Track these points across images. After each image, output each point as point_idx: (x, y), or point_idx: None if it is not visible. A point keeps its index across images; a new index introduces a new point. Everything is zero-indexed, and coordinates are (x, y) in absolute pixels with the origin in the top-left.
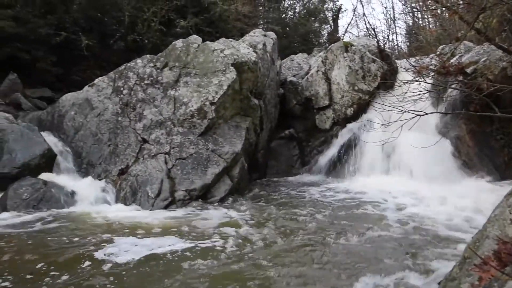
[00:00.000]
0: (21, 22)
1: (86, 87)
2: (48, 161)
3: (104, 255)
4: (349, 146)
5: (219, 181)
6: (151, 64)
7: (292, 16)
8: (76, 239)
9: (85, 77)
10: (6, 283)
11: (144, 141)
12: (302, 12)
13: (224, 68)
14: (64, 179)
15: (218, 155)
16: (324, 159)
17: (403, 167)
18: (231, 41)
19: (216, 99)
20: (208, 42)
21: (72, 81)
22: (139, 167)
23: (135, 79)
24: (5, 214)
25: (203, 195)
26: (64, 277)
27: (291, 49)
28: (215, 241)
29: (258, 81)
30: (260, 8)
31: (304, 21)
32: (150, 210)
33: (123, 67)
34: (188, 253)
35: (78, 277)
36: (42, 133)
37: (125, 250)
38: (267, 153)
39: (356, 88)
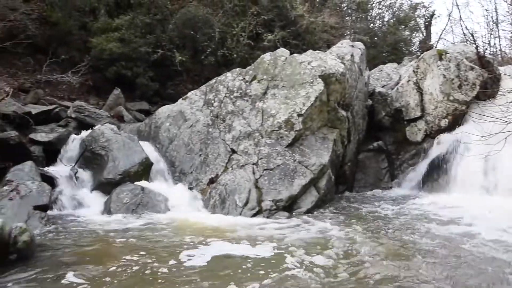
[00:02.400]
0: (125, 43)
1: (180, 100)
2: (145, 168)
3: (189, 256)
4: (443, 160)
5: (306, 193)
6: (240, 78)
7: (380, 25)
8: (167, 240)
9: (178, 91)
10: (113, 268)
11: (233, 151)
12: (392, 20)
13: (311, 80)
14: (159, 186)
15: (305, 167)
16: (415, 173)
17: (505, 184)
18: (318, 52)
19: (303, 111)
20: (295, 54)
21: (167, 95)
22: (228, 177)
23: (225, 92)
24: (109, 217)
25: (290, 206)
26: (155, 271)
27: (380, 59)
28: (300, 253)
29: (345, 92)
30: (347, 18)
31: (393, 30)
32: (238, 218)
33: (213, 80)
34: (271, 261)
35: (165, 273)
36: (140, 142)
37: (209, 254)
38: (355, 165)
39: (451, 98)
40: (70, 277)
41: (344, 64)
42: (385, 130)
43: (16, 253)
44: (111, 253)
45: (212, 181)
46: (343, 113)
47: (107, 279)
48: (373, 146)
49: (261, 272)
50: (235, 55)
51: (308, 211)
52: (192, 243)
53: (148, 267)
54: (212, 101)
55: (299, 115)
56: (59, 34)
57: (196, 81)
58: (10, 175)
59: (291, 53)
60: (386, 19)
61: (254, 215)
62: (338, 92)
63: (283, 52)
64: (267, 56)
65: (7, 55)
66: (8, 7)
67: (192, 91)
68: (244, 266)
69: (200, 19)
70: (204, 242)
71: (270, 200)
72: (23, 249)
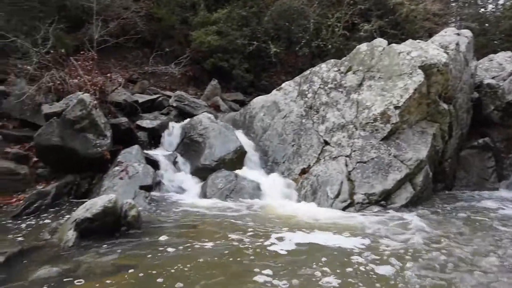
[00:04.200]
0: (222, 35)
1: (274, 91)
2: (239, 156)
3: (275, 241)
4: None
5: (400, 188)
6: (335, 69)
7: (494, 10)
8: (256, 225)
9: (272, 82)
10: (205, 244)
11: (326, 143)
12: (508, 3)
13: (410, 71)
14: (252, 174)
15: (400, 161)
16: None
17: None
18: (418, 42)
19: (400, 103)
20: (393, 44)
21: (261, 86)
22: (320, 168)
23: (319, 83)
24: (205, 200)
25: (383, 201)
26: (241, 251)
27: (491, 48)
28: (387, 249)
29: (448, 84)
30: (453, 4)
31: (509, 14)
32: (328, 210)
33: (308, 71)
34: (356, 253)
35: (250, 254)
36: (235, 131)
37: (295, 241)
38: (456, 162)
39: None
40: (168, 248)
41: (447, 53)
42: (493, 125)
43: (126, 225)
44: (205, 232)
45: (304, 171)
46: (445, 106)
47: (200, 252)
48: (478, 143)
49: (344, 263)
50: (329, 46)
51: (402, 207)
52: (279, 230)
53: (236, 248)
54: (306, 92)
55: (396, 107)
56: (163, 28)
57: (290, 73)
58: (120, 157)
59: (388, 44)
60: (501, 1)
61: (345, 207)
62: (440, 84)
63: (380, 42)
64: (363, 47)
65: (120, 49)
66: (122, 7)
67: (287, 82)
68: (328, 256)
69: (295, 10)
70: (291, 230)
71: (362, 194)
72: (132, 222)
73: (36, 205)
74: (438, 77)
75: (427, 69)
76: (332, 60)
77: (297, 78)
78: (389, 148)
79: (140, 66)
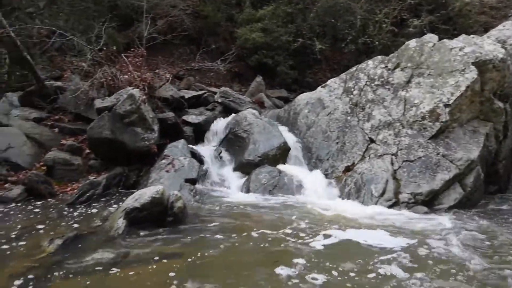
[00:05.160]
0: (267, 32)
1: (319, 88)
2: (283, 153)
3: (317, 237)
4: None
5: (449, 189)
6: (382, 65)
7: None
8: (298, 220)
9: (317, 79)
10: (248, 236)
11: (371, 141)
12: None
13: (462, 68)
14: (295, 170)
15: (449, 161)
16: None
17: None
18: (472, 37)
19: (451, 101)
20: (445, 40)
21: (305, 83)
22: (364, 166)
23: (365, 80)
24: (248, 195)
25: (429, 201)
26: (281, 244)
27: None
28: (432, 251)
29: (504, 81)
30: None
31: None
32: (372, 208)
33: (354, 68)
34: (399, 253)
35: (290, 247)
36: (279, 128)
37: (337, 237)
38: (511, 164)
39: None
40: (212, 238)
41: (505, 49)
42: None
43: (172, 216)
44: (247, 225)
45: (348, 169)
46: (500, 104)
47: (242, 243)
48: None
49: (382, 261)
50: (376, 43)
51: (450, 209)
52: (321, 226)
53: (276, 241)
54: (352, 89)
55: (446, 105)
56: (209, 26)
57: (335, 70)
58: (167, 150)
59: (439, 39)
60: None
61: (390, 206)
62: (495, 81)
63: (431, 38)
64: (412, 43)
65: (167, 46)
66: (170, 5)
67: (332, 79)
68: (366, 254)
69: (341, 6)
70: (334, 227)
71: (408, 193)
72: (178, 214)
73: (88, 194)
74: (494, 73)
75: (482, 65)
76: (379, 56)
77: (343, 75)
78: (437, 147)
79: (186, 63)
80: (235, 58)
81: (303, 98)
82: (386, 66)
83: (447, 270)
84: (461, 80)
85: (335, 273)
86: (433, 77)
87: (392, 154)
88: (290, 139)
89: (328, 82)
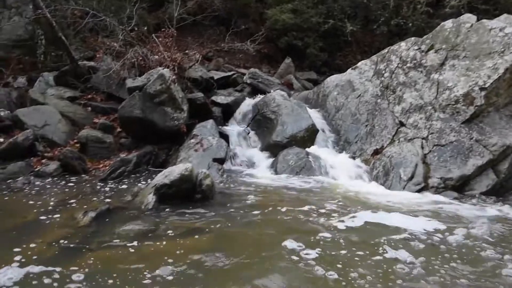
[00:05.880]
0: (297, 13)
1: (349, 70)
2: (311, 135)
3: (342, 218)
4: None
5: (481, 175)
6: (416, 47)
7: None
8: (325, 201)
9: (347, 62)
10: (273, 214)
11: (401, 124)
12: None
13: (502, 49)
14: (323, 152)
15: (483, 146)
16: None
17: None
18: None
19: (487, 84)
20: (484, 20)
21: (335, 65)
22: (393, 149)
23: (397, 62)
24: (275, 176)
25: (460, 187)
26: (305, 224)
27: None
28: (459, 236)
29: None
30: None
31: None
32: (400, 192)
33: (386, 50)
34: (424, 236)
35: (314, 227)
36: (308, 109)
37: (362, 219)
38: None
39: None
40: (239, 216)
41: None
42: None
43: (200, 193)
44: (273, 204)
45: (376, 152)
46: None
47: (268, 220)
48: None
49: (410, 244)
50: (410, 24)
51: (482, 195)
52: (348, 208)
53: (302, 220)
54: (383, 72)
55: (482, 89)
56: (238, 6)
57: (365, 52)
58: (196, 130)
59: (478, 20)
60: None
61: (419, 190)
62: None
63: (468, 18)
64: (448, 23)
65: (197, 27)
66: None
67: (362, 61)
68: (394, 236)
69: None
70: (359, 208)
71: (438, 178)
72: (206, 191)
73: (119, 171)
74: None
75: None
76: (412, 38)
77: (374, 57)
78: (470, 131)
79: (216, 44)
80: (265, 40)
81: (333, 80)
82: (419, 48)
83: (458, 258)
84: (500, 63)
85: (343, 252)
86: (469, 59)
87: (423, 138)
88: (319, 121)
89: (359, 64)
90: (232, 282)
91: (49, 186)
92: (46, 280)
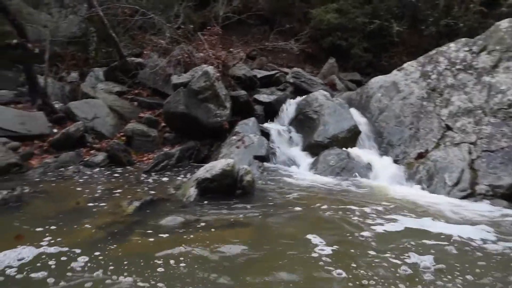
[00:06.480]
0: (342, 13)
1: (394, 71)
2: (353, 136)
3: (381, 222)
4: None
5: None
6: (466, 48)
7: None
8: (364, 203)
9: (392, 63)
10: (311, 213)
11: (448, 128)
12: None
13: None
14: (364, 154)
15: None
16: None
17: None
18: None
19: None
20: None
21: (380, 66)
22: (439, 153)
23: (445, 63)
24: (315, 175)
25: (510, 195)
26: (343, 222)
27: None
28: (506, 246)
29: None
30: None
31: None
32: (444, 198)
33: (434, 51)
34: (471, 245)
35: (351, 228)
36: (350, 110)
37: (403, 224)
38: None
39: None
40: (279, 212)
41: None
42: None
43: (241, 189)
44: (313, 203)
45: (420, 156)
46: None
47: (307, 218)
48: None
49: (442, 251)
50: (461, 25)
51: None
52: (388, 211)
53: (335, 219)
54: (430, 73)
55: None
56: (283, 6)
57: (412, 53)
58: (238, 127)
59: None
60: None
61: (464, 197)
62: None
63: None
64: (504, 23)
65: (242, 25)
66: None
67: (409, 62)
68: (428, 242)
69: None
70: (400, 213)
71: (486, 185)
72: (246, 187)
73: (163, 164)
74: None
75: None
76: (463, 39)
77: (421, 58)
78: None
79: (260, 42)
80: (308, 39)
81: (377, 81)
82: (471, 49)
83: (492, 269)
84: None
85: (365, 252)
86: None
87: (471, 143)
88: (361, 122)
89: (405, 65)
90: (254, 271)
91: (96, 176)
92: (89, 264)
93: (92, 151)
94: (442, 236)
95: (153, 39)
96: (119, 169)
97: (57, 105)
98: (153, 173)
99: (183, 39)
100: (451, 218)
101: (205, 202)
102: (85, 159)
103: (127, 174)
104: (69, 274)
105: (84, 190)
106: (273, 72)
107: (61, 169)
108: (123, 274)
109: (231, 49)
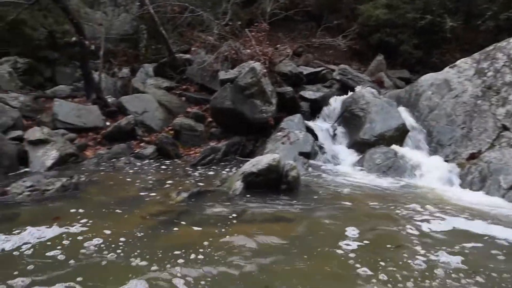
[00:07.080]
0: (392, 9)
1: (446, 68)
2: (400, 134)
3: (427, 221)
4: None
5: None
6: None
7: None
8: (411, 203)
9: (444, 60)
10: (356, 211)
11: (505, 128)
12: None
13: None
14: (413, 153)
15: None
16: None
17: None
18: None
19: None
20: None
21: (431, 64)
22: (493, 154)
23: (504, 60)
24: (361, 173)
25: None
26: (387, 222)
27: None
28: None
29: None
30: None
31: None
32: (498, 200)
33: (491, 47)
34: None
35: (395, 229)
36: (399, 109)
37: (450, 225)
38: None
39: None
40: (323, 208)
41: None
42: None
43: (286, 184)
44: (357, 200)
45: (473, 156)
46: None
47: (352, 214)
48: None
49: (479, 253)
50: None
51: None
52: (436, 212)
53: (385, 216)
54: (486, 71)
55: None
56: (330, 2)
57: (466, 50)
58: (283, 123)
59: None
60: None
61: None
62: None
63: None
64: None
65: (288, 22)
66: None
67: (462, 59)
68: (468, 244)
69: None
70: (449, 213)
71: None
72: (291, 182)
73: (209, 158)
74: None
75: None
76: None
77: (476, 55)
78: None
79: (306, 39)
80: (356, 36)
81: (427, 79)
82: None
83: None
84: None
85: (398, 252)
86: None
87: None
88: (410, 121)
89: (457, 62)
90: (288, 262)
91: (146, 167)
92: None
93: (142, 144)
94: (487, 238)
95: (201, 35)
96: (167, 162)
97: (110, 100)
98: (199, 167)
99: (231, 36)
100: (504, 222)
101: (250, 195)
102: (136, 151)
103: (174, 167)
104: (113, 256)
105: (135, 180)
106: (319, 69)
107: (113, 160)
108: (170, 261)
109: (277, 46)
